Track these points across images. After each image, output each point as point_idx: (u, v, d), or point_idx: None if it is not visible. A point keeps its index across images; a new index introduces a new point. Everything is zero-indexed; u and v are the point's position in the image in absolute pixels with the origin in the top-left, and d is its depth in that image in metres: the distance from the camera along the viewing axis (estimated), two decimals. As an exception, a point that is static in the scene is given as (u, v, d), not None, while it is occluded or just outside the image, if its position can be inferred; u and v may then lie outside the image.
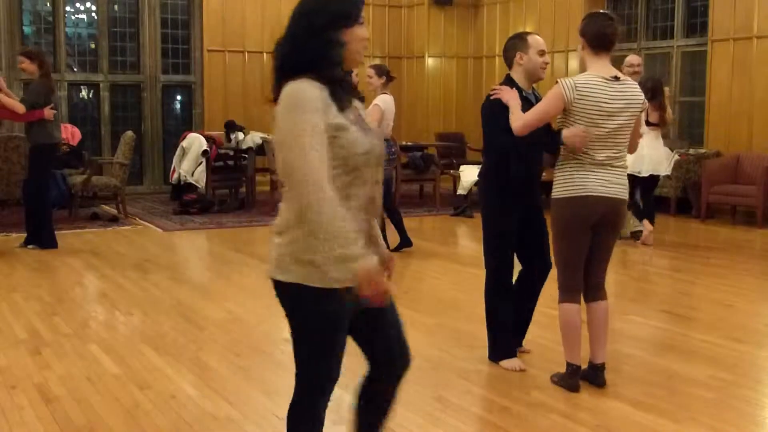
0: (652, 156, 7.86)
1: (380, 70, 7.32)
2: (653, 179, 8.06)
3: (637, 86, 3.91)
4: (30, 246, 7.62)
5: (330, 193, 2.19)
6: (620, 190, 3.85)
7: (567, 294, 3.95)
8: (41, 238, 7.63)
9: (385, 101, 7.16)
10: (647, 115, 7.81)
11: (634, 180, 8.01)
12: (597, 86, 3.75)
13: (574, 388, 3.93)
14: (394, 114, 7.43)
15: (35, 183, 7.52)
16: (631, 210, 8.12)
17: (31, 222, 7.70)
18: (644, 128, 7.81)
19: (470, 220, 9.68)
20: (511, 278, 4.34)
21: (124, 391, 3.92)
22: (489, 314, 4.40)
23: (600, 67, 3.82)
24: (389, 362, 2.58)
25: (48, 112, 7.34)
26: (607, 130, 3.76)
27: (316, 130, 2.21)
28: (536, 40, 4.17)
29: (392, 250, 7.54)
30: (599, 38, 3.80)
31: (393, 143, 7.50)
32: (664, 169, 8.09)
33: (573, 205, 3.83)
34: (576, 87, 3.75)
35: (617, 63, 11.53)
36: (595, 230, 3.88)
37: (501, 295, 4.30)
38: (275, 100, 2.33)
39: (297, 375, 2.56)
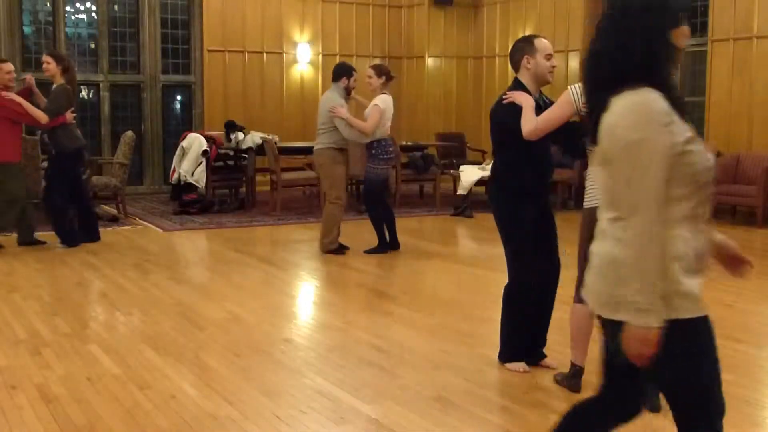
0: None
1: (380, 70, 7.33)
2: None
3: None
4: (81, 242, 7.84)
5: (660, 234, 2.06)
6: None
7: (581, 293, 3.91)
8: (63, 235, 7.75)
9: (384, 101, 7.20)
10: None
11: None
12: None
13: (575, 389, 3.92)
14: (393, 114, 7.45)
15: (57, 186, 7.66)
16: None
17: (82, 221, 7.95)
18: None
19: (470, 220, 9.68)
20: (532, 282, 4.22)
21: (124, 391, 3.92)
22: (503, 315, 4.32)
23: None
24: (622, 403, 2.39)
25: (69, 116, 7.54)
26: None
27: (666, 153, 2.03)
28: (543, 44, 4.15)
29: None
30: None
31: (392, 143, 7.49)
32: None
33: None
34: (575, 96, 3.73)
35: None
36: None
37: (519, 298, 4.24)
38: (596, 113, 2.13)
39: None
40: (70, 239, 7.74)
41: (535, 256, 4.17)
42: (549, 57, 4.14)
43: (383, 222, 7.50)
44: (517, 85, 4.15)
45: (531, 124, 3.88)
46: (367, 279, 6.65)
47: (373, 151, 7.32)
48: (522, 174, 4.11)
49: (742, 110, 9.86)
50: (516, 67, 4.20)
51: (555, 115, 3.84)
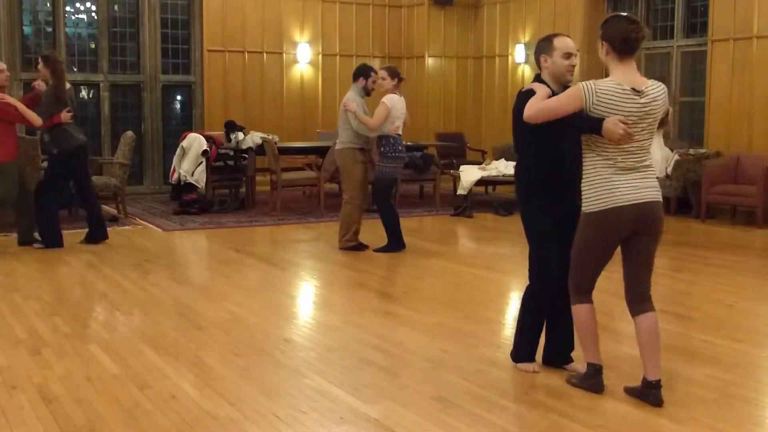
0: (657, 158, 7.89)
1: (392, 72, 7.53)
2: None
3: (660, 90, 3.75)
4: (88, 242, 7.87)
5: None
6: (651, 192, 3.73)
7: (579, 295, 3.87)
8: (47, 235, 7.69)
9: (391, 99, 7.34)
10: None
11: None
12: (617, 96, 3.65)
13: (597, 389, 3.86)
14: (406, 114, 7.53)
15: (52, 185, 7.67)
16: None
17: (92, 220, 7.97)
18: None
19: (470, 220, 9.68)
20: (549, 285, 4.15)
21: (124, 391, 3.92)
22: (519, 316, 4.32)
23: (623, 74, 3.70)
24: None
25: (65, 116, 7.54)
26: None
27: None
28: (563, 43, 4.04)
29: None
30: (626, 43, 3.68)
31: (401, 142, 7.54)
32: (661, 170, 8.13)
33: (606, 220, 3.72)
34: (596, 93, 3.66)
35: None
36: (632, 237, 3.77)
37: (533, 302, 4.22)
38: None
39: None
40: (52, 240, 7.67)
41: (555, 261, 4.08)
42: (568, 56, 4.01)
43: (393, 220, 7.56)
44: (538, 80, 4.08)
45: (533, 108, 3.82)
46: (368, 279, 6.64)
47: (382, 149, 7.44)
48: (543, 174, 4.04)
49: (742, 110, 9.85)
50: (538, 66, 4.13)
51: (559, 104, 3.76)
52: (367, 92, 7.60)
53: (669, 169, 9.65)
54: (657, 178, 3.88)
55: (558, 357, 4.28)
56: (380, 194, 7.58)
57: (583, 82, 3.75)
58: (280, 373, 4.21)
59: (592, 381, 3.89)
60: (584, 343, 3.92)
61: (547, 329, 4.31)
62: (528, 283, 4.26)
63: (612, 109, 3.64)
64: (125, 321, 5.29)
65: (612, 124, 3.61)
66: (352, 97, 7.45)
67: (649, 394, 3.76)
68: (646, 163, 3.76)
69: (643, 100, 3.67)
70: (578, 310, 3.89)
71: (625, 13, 3.99)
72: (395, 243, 7.57)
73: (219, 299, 5.84)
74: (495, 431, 3.50)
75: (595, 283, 3.90)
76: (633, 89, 3.66)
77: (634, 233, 3.75)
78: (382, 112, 7.28)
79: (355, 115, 7.33)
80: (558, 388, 3.97)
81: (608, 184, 3.70)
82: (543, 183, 4.06)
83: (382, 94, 7.49)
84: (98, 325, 5.20)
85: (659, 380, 3.75)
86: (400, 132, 7.49)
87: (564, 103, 3.74)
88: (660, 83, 3.81)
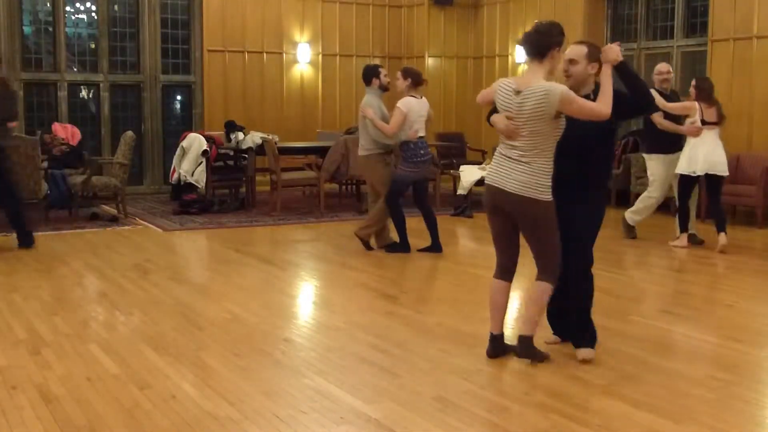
0: (708, 155, 7.62)
1: (406, 73, 7.42)
2: (713, 180, 7.78)
3: (536, 95, 4.04)
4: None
5: None
6: (501, 180, 4.15)
7: (496, 270, 4.41)
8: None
9: (406, 103, 7.23)
10: (702, 114, 7.62)
11: (686, 181, 7.80)
12: (502, 93, 4.20)
13: (489, 355, 4.41)
14: (427, 116, 7.45)
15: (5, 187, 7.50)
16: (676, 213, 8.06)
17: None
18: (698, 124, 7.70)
19: (470, 220, 9.68)
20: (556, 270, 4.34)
21: (124, 391, 3.92)
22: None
23: (526, 75, 4.22)
24: None
25: None
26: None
27: None
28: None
29: (420, 250, 7.57)
30: (522, 47, 4.30)
31: (423, 146, 7.45)
32: (723, 169, 7.73)
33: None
34: (498, 89, 4.23)
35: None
36: (513, 220, 4.26)
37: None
38: None
39: None
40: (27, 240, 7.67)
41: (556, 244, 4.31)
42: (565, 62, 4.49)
43: (434, 223, 7.61)
44: None
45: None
46: (367, 279, 6.64)
47: (404, 154, 7.39)
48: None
49: (742, 110, 9.85)
50: None
51: (485, 92, 4.43)
52: (384, 89, 7.54)
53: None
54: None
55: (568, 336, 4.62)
56: (392, 195, 7.52)
57: (502, 80, 4.33)
58: (280, 373, 4.22)
59: (487, 347, 4.45)
60: (490, 313, 4.44)
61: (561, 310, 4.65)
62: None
63: (499, 103, 4.22)
64: (125, 321, 5.29)
65: (498, 117, 4.18)
66: (368, 102, 7.37)
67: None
68: (524, 159, 4.11)
69: (517, 100, 4.12)
70: (492, 284, 4.44)
71: (539, 21, 4.52)
72: (405, 244, 7.58)
73: (219, 299, 5.84)
74: (495, 431, 3.50)
75: (505, 260, 4.35)
76: (514, 89, 4.14)
77: (507, 215, 4.23)
78: (398, 117, 7.19)
79: (373, 122, 7.28)
80: (558, 388, 3.98)
81: (492, 164, 4.33)
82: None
83: (397, 96, 7.44)
84: (98, 325, 5.20)
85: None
86: (420, 134, 7.36)
87: (487, 91, 4.42)
88: (545, 90, 4.06)
